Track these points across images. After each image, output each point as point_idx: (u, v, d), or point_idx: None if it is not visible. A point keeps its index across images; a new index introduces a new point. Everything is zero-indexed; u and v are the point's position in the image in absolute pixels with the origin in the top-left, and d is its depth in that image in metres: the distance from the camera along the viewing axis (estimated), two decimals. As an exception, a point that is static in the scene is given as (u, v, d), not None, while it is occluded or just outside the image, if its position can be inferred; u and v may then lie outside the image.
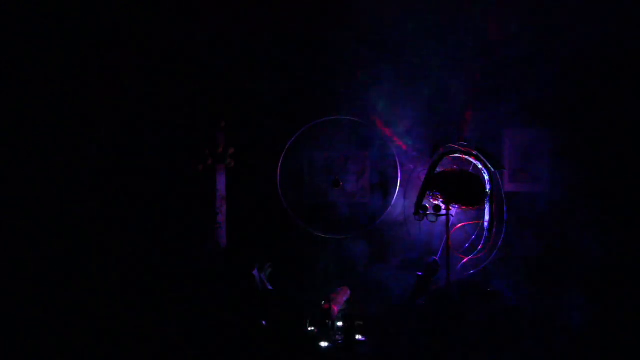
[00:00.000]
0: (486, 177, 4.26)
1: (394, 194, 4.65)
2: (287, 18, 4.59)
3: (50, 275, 4.30)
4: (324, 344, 4.02)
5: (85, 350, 4.06)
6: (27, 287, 4.23)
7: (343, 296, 4.24)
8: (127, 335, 4.12)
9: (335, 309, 4.06)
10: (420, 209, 4.23)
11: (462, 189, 4.23)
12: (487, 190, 4.24)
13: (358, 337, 4.07)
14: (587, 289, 4.28)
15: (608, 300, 4.29)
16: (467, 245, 4.46)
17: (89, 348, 4.07)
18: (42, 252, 4.30)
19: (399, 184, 4.64)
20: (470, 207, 4.32)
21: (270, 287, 4.18)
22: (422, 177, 4.33)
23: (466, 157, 4.35)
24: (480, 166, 4.29)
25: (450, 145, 4.34)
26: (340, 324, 4.11)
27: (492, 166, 4.24)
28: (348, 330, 4.01)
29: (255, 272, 4.14)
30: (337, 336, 4.08)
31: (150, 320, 4.17)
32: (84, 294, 4.31)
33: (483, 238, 4.31)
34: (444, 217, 4.22)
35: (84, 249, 4.42)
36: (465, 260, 4.37)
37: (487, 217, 4.28)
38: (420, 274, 4.26)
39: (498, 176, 4.33)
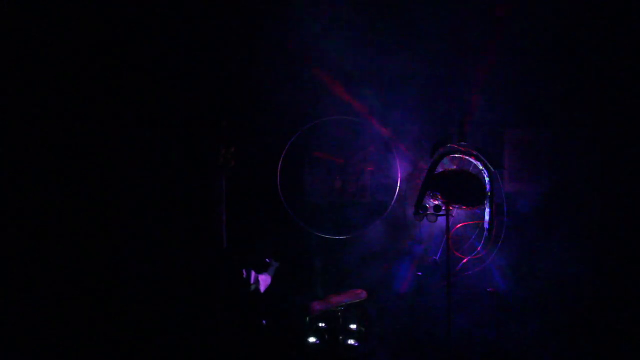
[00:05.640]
0: (486, 177, 4.26)
1: (394, 194, 4.65)
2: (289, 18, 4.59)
3: (50, 275, 4.31)
4: (312, 339, 4.07)
5: (85, 349, 4.07)
6: (30, 286, 4.23)
7: (343, 298, 4.24)
8: (127, 334, 4.13)
9: (315, 308, 4.05)
10: (420, 209, 4.23)
11: (462, 189, 4.23)
12: (487, 190, 4.24)
13: (351, 341, 4.08)
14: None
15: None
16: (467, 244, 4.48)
17: (89, 347, 4.08)
18: (42, 253, 4.30)
19: (398, 184, 4.64)
20: (471, 207, 4.31)
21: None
22: (422, 177, 4.33)
23: (466, 157, 4.35)
24: (480, 166, 4.29)
25: (450, 145, 4.34)
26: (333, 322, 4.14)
27: (492, 166, 4.24)
28: (326, 330, 4.05)
29: (252, 274, 4.15)
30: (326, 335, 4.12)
31: (151, 320, 4.18)
32: (83, 293, 4.32)
33: (483, 238, 4.32)
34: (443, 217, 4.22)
35: (83, 248, 4.42)
36: (465, 260, 4.37)
37: (487, 217, 4.28)
38: (420, 274, 4.27)
39: (498, 176, 4.34)
